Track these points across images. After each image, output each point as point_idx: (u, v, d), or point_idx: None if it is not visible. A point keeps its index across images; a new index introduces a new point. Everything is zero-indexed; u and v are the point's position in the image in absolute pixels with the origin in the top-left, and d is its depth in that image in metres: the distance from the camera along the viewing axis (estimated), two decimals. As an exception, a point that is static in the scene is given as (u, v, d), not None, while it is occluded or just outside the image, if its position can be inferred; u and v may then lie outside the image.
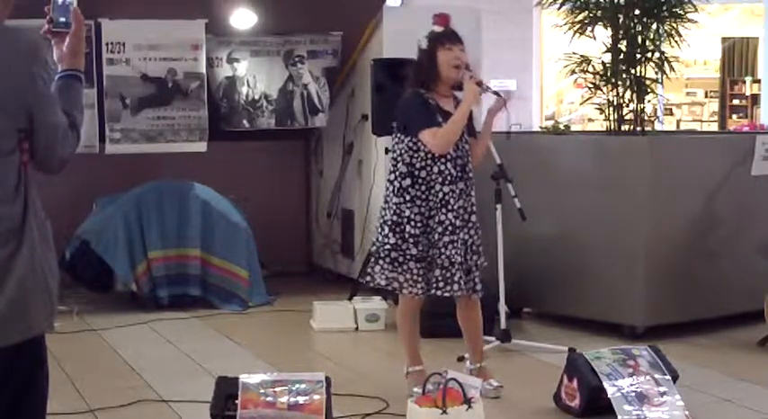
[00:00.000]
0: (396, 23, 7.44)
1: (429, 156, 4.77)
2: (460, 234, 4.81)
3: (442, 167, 4.78)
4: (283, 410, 4.27)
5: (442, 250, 4.77)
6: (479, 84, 4.79)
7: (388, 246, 4.81)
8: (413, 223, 4.78)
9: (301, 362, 5.75)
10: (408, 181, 4.80)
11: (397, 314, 5.15)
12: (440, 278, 4.79)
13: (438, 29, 4.89)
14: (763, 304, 5.96)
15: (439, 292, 4.82)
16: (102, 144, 7.33)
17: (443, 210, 4.78)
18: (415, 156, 4.80)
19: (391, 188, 4.85)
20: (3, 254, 2.52)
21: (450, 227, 4.77)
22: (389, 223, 4.81)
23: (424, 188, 4.79)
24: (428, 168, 4.79)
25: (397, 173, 4.83)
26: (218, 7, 7.88)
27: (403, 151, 4.82)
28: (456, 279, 4.79)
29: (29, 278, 2.55)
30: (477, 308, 5.08)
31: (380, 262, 4.86)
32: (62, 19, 2.73)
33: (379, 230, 4.88)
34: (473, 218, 4.89)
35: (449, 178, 4.79)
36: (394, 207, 4.82)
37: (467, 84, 4.76)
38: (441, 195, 4.78)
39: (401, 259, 4.80)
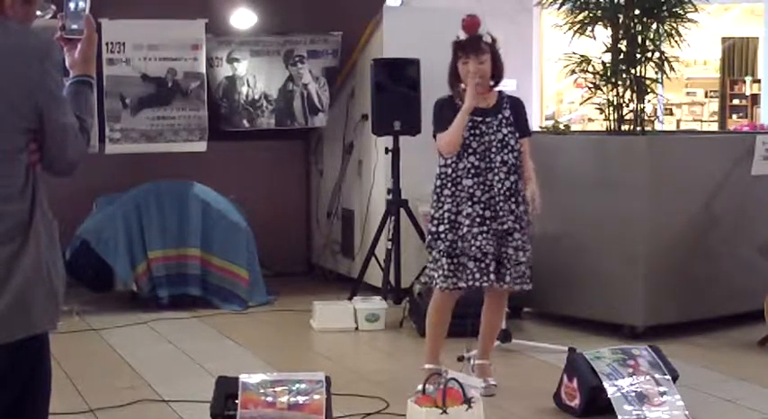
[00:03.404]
0: (396, 23, 7.44)
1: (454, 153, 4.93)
2: (491, 224, 4.86)
3: (466, 162, 4.90)
4: (283, 410, 4.27)
5: (473, 242, 4.84)
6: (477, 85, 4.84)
7: (426, 246, 5.05)
8: (436, 221, 4.94)
9: (301, 362, 5.75)
10: (439, 181, 4.97)
11: (429, 307, 5.18)
12: (475, 269, 4.86)
13: (462, 36, 4.91)
14: (763, 304, 5.96)
15: (477, 284, 4.87)
16: (102, 144, 7.32)
17: (469, 203, 4.88)
18: (445, 155, 4.95)
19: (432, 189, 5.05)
20: (8, 252, 2.53)
21: (478, 219, 4.86)
22: (428, 222, 5.06)
23: (450, 184, 4.92)
24: (454, 165, 4.92)
25: (435, 174, 5.01)
26: (218, 7, 7.88)
27: (438, 154, 4.99)
28: (491, 269, 4.86)
29: (33, 276, 2.56)
30: (502, 304, 5.19)
31: (427, 260, 5.06)
32: (74, 26, 2.74)
33: None
34: (505, 206, 4.88)
35: (472, 171, 4.89)
36: (431, 207, 5.04)
37: (468, 89, 4.83)
38: (466, 189, 4.88)
39: (436, 256, 4.94)
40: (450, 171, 4.92)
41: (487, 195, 4.88)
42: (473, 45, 4.90)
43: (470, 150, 4.89)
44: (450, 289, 4.93)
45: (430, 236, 4.96)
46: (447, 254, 4.89)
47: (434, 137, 4.98)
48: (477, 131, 4.89)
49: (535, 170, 5.00)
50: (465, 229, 4.85)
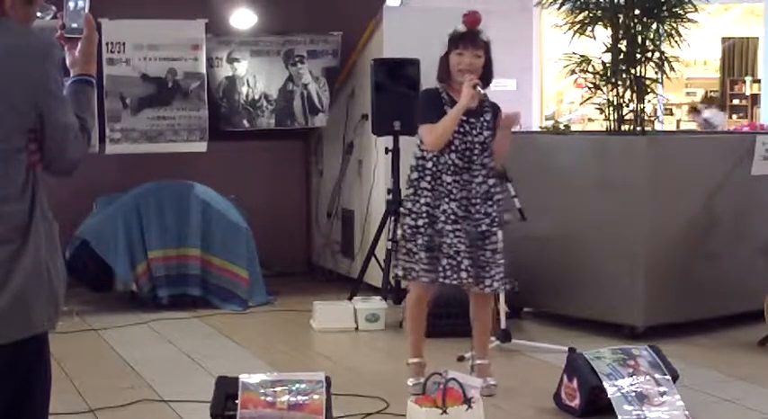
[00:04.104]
0: (396, 23, 7.44)
1: None
2: (463, 224, 4.87)
3: (447, 158, 4.89)
4: (283, 410, 4.27)
5: (445, 239, 4.85)
6: (474, 86, 4.82)
7: (400, 238, 5.02)
8: (414, 215, 4.91)
9: (301, 362, 5.75)
10: (416, 174, 4.95)
11: (407, 304, 5.20)
12: (447, 266, 4.86)
13: (461, 29, 4.91)
14: (763, 304, 5.96)
15: (447, 281, 4.89)
16: (102, 144, 7.32)
17: (446, 200, 4.88)
18: (426, 148, 4.92)
19: (406, 180, 5.04)
20: (8, 252, 2.52)
21: (452, 217, 4.86)
22: (401, 215, 5.01)
23: (429, 178, 4.90)
24: (435, 159, 4.90)
25: (411, 166, 5.00)
26: (218, 7, 7.89)
27: (417, 144, 4.99)
28: (463, 267, 4.85)
29: (32, 276, 2.56)
30: (487, 306, 5.16)
31: (400, 252, 5.03)
32: (74, 25, 2.75)
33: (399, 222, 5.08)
34: (481, 209, 4.91)
35: (452, 168, 4.89)
36: (404, 199, 5.02)
37: (465, 87, 4.82)
38: (445, 185, 4.88)
39: (414, 249, 4.93)
40: (430, 165, 4.90)
41: (461, 194, 4.89)
42: (472, 38, 4.91)
43: (453, 147, 4.88)
44: (431, 283, 4.95)
45: (410, 230, 4.92)
46: (426, 248, 4.89)
47: (417, 127, 4.95)
48: (462, 130, 4.89)
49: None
50: (440, 225, 4.86)
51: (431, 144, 4.86)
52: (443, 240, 4.85)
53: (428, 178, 4.90)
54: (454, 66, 4.89)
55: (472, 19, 4.94)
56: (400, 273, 5.08)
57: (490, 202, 4.93)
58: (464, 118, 4.87)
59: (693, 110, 13.55)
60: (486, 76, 4.95)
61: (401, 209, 5.01)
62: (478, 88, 4.85)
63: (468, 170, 4.90)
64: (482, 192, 4.90)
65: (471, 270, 4.87)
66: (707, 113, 12.60)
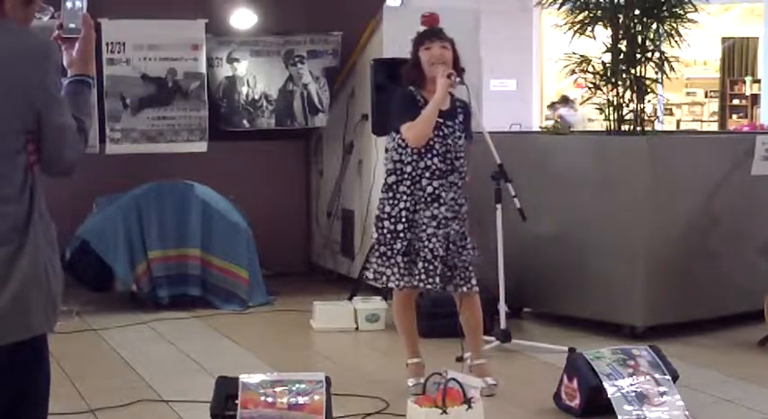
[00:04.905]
0: (396, 23, 7.44)
1: (416, 151, 4.88)
2: (453, 225, 4.89)
3: (429, 162, 4.88)
4: (283, 410, 4.27)
5: (426, 243, 4.85)
6: (449, 76, 4.83)
7: (375, 241, 4.99)
8: (393, 219, 4.90)
9: (301, 362, 5.75)
10: (393, 178, 4.93)
11: (393, 307, 5.20)
12: (422, 270, 4.87)
13: (422, 29, 4.98)
14: (763, 304, 5.96)
15: (422, 284, 4.90)
16: (102, 144, 7.32)
17: (435, 205, 4.87)
18: (403, 152, 4.91)
19: (382, 184, 5.00)
20: (6, 253, 2.52)
21: (443, 221, 4.86)
22: (377, 219, 4.98)
23: (409, 183, 4.89)
24: (414, 163, 4.89)
25: (386, 169, 4.99)
26: (218, 7, 7.89)
27: (393, 148, 4.96)
28: (438, 272, 4.86)
29: (31, 277, 2.55)
30: (475, 305, 5.13)
31: (373, 256, 5.02)
32: (72, 25, 2.75)
33: (374, 225, 5.03)
34: (463, 209, 4.96)
35: (437, 173, 4.88)
36: (379, 203, 4.99)
37: (439, 78, 4.82)
38: (430, 190, 4.87)
39: (389, 253, 4.92)
40: (410, 169, 4.88)
41: (450, 196, 4.91)
42: (435, 32, 4.97)
43: (434, 151, 4.87)
44: (405, 288, 4.95)
45: (389, 235, 4.90)
46: (403, 253, 4.89)
47: (396, 129, 4.90)
48: (441, 133, 4.89)
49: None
50: (426, 228, 4.85)
51: (414, 140, 4.82)
52: (424, 244, 4.85)
53: (407, 183, 4.89)
54: (426, 61, 4.90)
55: (431, 19, 5.05)
56: (371, 276, 5.09)
57: (463, 200, 4.96)
58: (440, 120, 4.87)
59: (551, 105, 13.43)
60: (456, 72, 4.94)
61: (378, 214, 4.98)
62: (453, 78, 4.84)
63: (452, 172, 4.91)
64: (462, 194, 4.94)
65: (444, 275, 4.88)
66: (562, 110, 12.48)
